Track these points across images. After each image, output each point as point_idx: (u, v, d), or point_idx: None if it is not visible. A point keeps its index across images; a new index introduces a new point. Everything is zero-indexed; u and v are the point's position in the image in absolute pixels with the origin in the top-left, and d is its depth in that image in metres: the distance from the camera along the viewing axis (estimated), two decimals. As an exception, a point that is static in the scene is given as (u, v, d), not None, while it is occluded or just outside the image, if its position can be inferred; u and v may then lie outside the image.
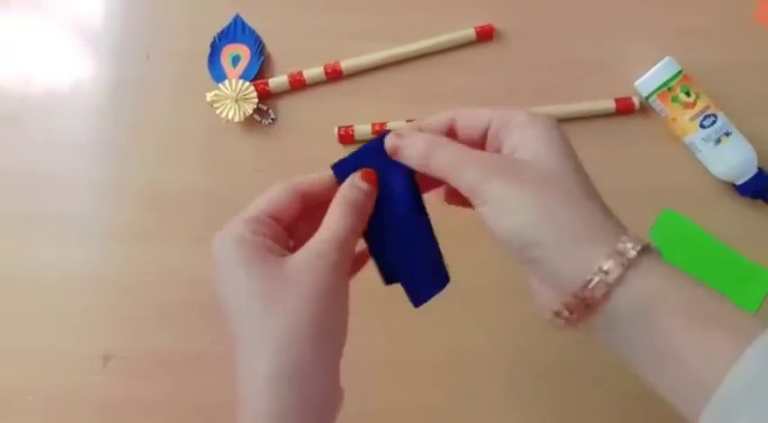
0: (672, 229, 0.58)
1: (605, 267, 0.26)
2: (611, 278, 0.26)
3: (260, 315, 0.28)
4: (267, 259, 0.29)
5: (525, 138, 0.30)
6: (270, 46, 0.62)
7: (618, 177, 0.58)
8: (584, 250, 0.27)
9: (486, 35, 0.61)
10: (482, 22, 0.61)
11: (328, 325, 0.29)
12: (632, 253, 0.27)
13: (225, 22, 0.62)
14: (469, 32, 0.60)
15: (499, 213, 0.28)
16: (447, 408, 0.55)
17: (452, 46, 0.61)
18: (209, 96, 0.59)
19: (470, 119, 0.33)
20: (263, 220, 0.31)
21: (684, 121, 0.57)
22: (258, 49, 0.61)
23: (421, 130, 0.33)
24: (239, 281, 0.29)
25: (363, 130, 0.58)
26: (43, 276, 0.58)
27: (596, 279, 0.26)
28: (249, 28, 0.62)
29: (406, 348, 0.56)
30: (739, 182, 0.56)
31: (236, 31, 0.61)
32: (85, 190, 0.60)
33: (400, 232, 0.34)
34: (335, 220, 0.31)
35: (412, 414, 0.55)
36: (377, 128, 0.59)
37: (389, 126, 0.59)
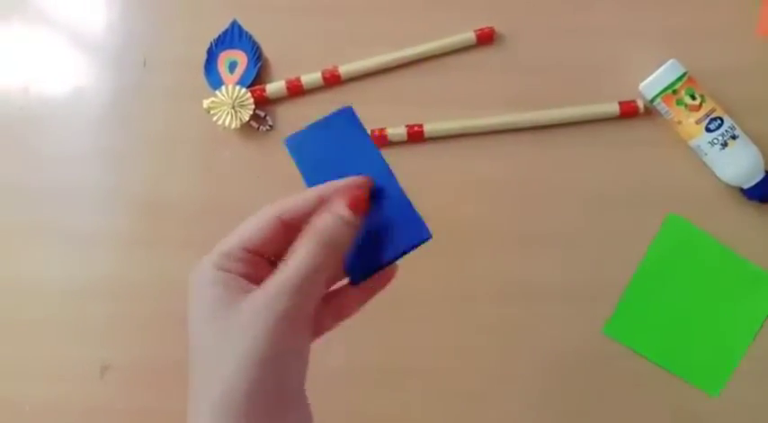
0: (677, 233, 0.57)
1: None
2: None
3: (205, 368, 0.26)
4: (223, 303, 0.26)
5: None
6: (267, 51, 0.61)
7: (622, 181, 0.57)
8: None
9: (486, 38, 0.60)
10: (482, 25, 0.60)
11: (271, 381, 0.26)
12: None
13: (221, 28, 0.61)
14: (470, 36, 0.59)
15: None
16: (447, 411, 0.55)
17: (452, 50, 0.60)
18: (206, 103, 0.59)
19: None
20: (234, 255, 0.28)
21: (690, 124, 0.56)
22: (255, 54, 0.60)
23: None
24: (195, 324, 0.27)
25: (362, 136, 0.58)
26: (40, 285, 0.58)
27: None
28: (246, 34, 0.61)
29: (405, 353, 0.55)
30: (746, 186, 0.55)
31: (233, 36, 0.61)
32: (83, 198, 0.59)
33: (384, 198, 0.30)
34: (299, 258, 0.27)
35: (411, 418, 0.55)
36: (376, 133, 0.58)
37: (389, 132, 0.58)
